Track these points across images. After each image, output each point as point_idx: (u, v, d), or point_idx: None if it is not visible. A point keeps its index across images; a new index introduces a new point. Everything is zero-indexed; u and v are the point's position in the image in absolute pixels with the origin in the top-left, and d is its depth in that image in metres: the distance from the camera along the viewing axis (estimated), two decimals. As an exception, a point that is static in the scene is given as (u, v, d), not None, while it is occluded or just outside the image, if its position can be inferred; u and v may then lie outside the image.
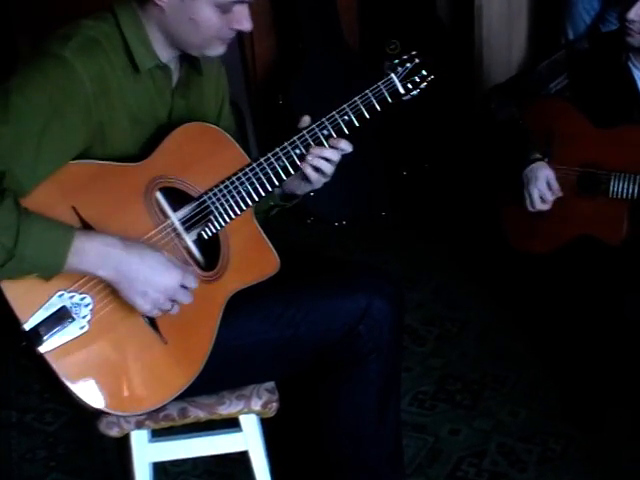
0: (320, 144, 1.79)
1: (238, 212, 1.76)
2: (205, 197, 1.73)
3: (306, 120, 1.80)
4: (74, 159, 1.63)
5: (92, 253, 1.56)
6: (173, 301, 1.63)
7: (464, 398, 2.65)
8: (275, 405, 1.84)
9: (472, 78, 3.97)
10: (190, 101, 1.83)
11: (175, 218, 1.71)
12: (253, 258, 1.80)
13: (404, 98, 1.84)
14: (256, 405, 1.83)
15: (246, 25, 1.70)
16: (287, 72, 3.96)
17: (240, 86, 3.93)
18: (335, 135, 1.79)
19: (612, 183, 2.38)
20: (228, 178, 1.75)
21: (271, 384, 1.87)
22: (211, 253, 1.75)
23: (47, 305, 1.57)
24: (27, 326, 1.55)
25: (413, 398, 2.65)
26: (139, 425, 1.80)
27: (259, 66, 4.01)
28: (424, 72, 1.84)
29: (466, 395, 2.66)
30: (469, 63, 3.97)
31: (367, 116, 1.80)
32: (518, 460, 2.38)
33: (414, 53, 1.85)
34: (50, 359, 1.57)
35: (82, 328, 1.59)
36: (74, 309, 1.58)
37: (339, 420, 1.89)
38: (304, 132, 1.78)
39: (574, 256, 2.44)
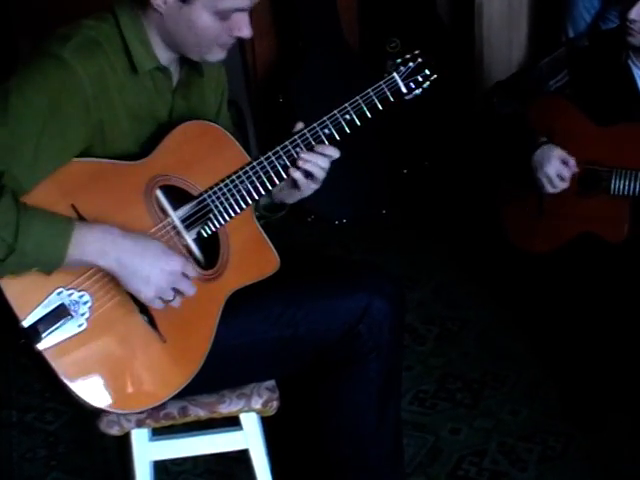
0: (320, 143, 1.78)
1: (238, 211, 1.75)
2: (205, 195, 1.73)
3: (299, 125, 1.80)
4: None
5: (92, 244, 1.56)
6: (176, 290, 1.63)
7: (464, 397, 2.65)
8: (275, 404, 1.84)
9: (472, 76, 3.96)
10: (191, 102, 1.83)
11: (175, 216, 1.71)
12: (253, 257, 1.80)
13: (406, 97, 1.83)
14: (256, 404, 1.83)
15: (246, 32, 1.70)
16: (287, 71, 3.96)
17: (240, 85, 3.93)
18: (336, 134, 1.79)
19: (613, 180, 2.38)
20: (228, 176, 1.75)
21: (271, 383, 1.87)
22: (211, 252, 1.75)
23: (45, 302, 1.57)
24: (25, 323, 1.55)
25: (414, 397, 2.65)
26: (140, 424, 1.80)
27: (259, 65, 4.01)
28: (427, 71, 1.84)
29: (466, 394, 2.66)
30: (469, 61, 3.97)
31: (369, 115, 1.79)
32: (518, 459, 2.37)
33: (417, 52, 1.85)
34: (48, 356, 1.57)
35: (80, 326, 1.59)
36: (72, 307, 1.58)
37: (339, 419, 1.89)
38: (305, 131, 1.78)
39: (575, 254, 2.44)
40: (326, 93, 3.60)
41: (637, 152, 2.36)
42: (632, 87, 2.43)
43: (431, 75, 1.84)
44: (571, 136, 2.44)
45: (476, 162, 3.31)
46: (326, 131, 1.78)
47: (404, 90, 1.82)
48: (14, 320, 1.55)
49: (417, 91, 1.84)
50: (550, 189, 2.40)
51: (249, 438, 1.87)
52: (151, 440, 1.87)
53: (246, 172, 1.76)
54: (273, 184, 1.78)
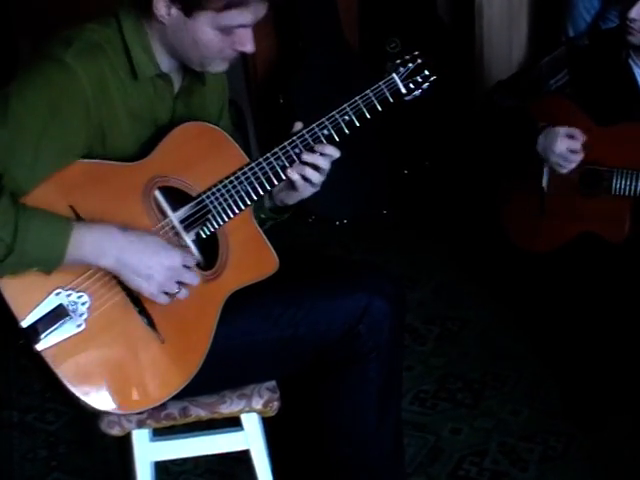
0: (320, 144, 1.78)
1: (237, 211, 1.75)
2: (204, 196, 1.73)
3: (298, 125, 1.79)
4: (74, 160, 1.63)
5: (91, 243, 1.56)
6: (180, 283, 1.63)
7: (465, 397, 2.65)
8: (276, 404, 1.84)
9: (472, 76, 3.96)
10: (192, 109, 1.83)
11: (174, 217, 1.71)
12: (252, 257, 1.79)
13: (406, 98, 1.83)
14: (257, 404, 1.83)
15: (249, 47, 1.70)
16: (287, 71, 3.96)
17: (241, 85, 3.93)
18: (335, 135, 1.79)
19: (614, 180, 2.38)
20: (227, 177, 1.75)
21: (272, 383, 1.87)
22: (209, 252, 1.75)
23: (44, 303, 1.57)
24: (24, 323, 1.56)
25: (414, 397, 2.65)
26: (140, 424, 1.80)
27: (259, 65, 4.01)
28: (426, 72, 1.83)
29: (467, 394, 2.66)
30: (470, 61, 3.97)
31: (368, 116, 1.79)
32: (519, 459, 2.37)
33: (416, 53, 1.84)
34: (47, 357, 1.57)
35: (79, 326, 1.59)
36: (71, 307, 1.58)
37: (339, 419, 1.89)
38: (304, 132, 1.78)
39: (576, 254, 2.44)
40: (326, 93, 3.60)
41: (638, 152, 2.36)
42: (632, 86, 2.43)
43: (430, 76, 1.83)
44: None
45: (476, 161, 3.31)
46: (325, 132, 1.78)
47: (403, 91, 1.82)
48: (13, 320, 1.55)
49: (417, 92, 1.83)
50: (565, 167, 2.36)
51: (250, 438, 1.87)
52: (152, 440, 1.87)
53: (245, 173, 1.76)
54: (272, 185, 1.77)
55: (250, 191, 1.76)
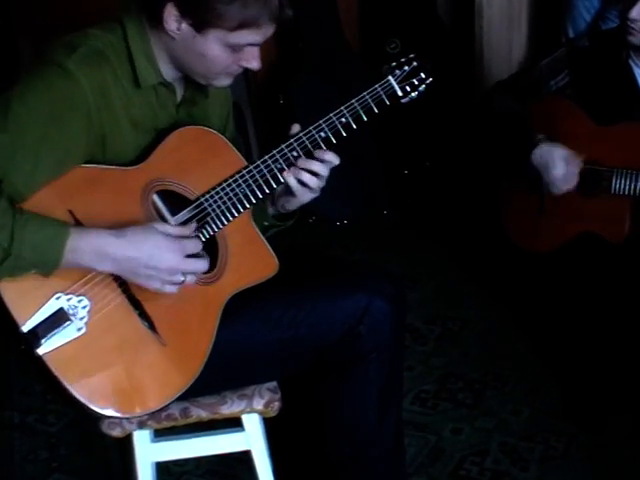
0: (317, 146, 1.77)
1: (235, 214, 1.75)
2: (202, 199, 1.73)
3: (295, 128, 1.79)
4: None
5: (87, 250, 1.56)
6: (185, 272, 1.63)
7: (466, 397, 2.65)
8: (277, 404, 1.85)
9: (472, 76, 3.96)
10: (194, 119, 1.82)
11: (173, 221, 1.70)
12: (251, 260, 1.79)
13: (402, 101, 1.83)
14: (258, 405, 1.83)
15: (255, 64, 1.70)
16: (287, 72, 3.96)
17: (241, 86, 3.93)
18: (333, 137, 1.78)
19: (614, 180, 2.38)
20: (225, 181, 1.75)
21: (273, 383, 1.87)
22: (209, 256, 1.75)
23: (45, 307, 1.57)
24: (25, 328, 1.56)
25: (415, 397, 2.65)
26: (141, 425, 1.80)
27: (259, 66, 4.01)
28: (422, 75, 1.82)
29: (468, 394, 2.66)
30: (470, 62, 3.97)
31: (365, 118, 1.79)
32: (520, 459, 2.38)
33: (412, 56, 1.84)
34: (48, 361, 1.57)
35: (79, 330, 1.59)
36: (71, 311, 1.58)
37: (340, 419, 1.89)
38: (301, 134, 1.77)
39: (576, 254, 2.44)
40: (326, 93, 3.60)
41: (638, 152, 2.36)
42: (633, 86, 2.43)
43: (427, 78, 1.83)
44: (572, 136, 2.44)
45: (476, 160, 3.31)
46: (322, 134, 1.78)
47: (400, 93, 1.81)
48: (14, 324, 1.55)
49: (413, 94, 1.83)
50: (557, 191, 2.39)
51: (251, 439, 1.87)
52: (153, 441, 1.87)
53: (243, 176, 1.75)
54: (270, 188, 1.77)
55: (248, 194, 1.75)
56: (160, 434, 1.90)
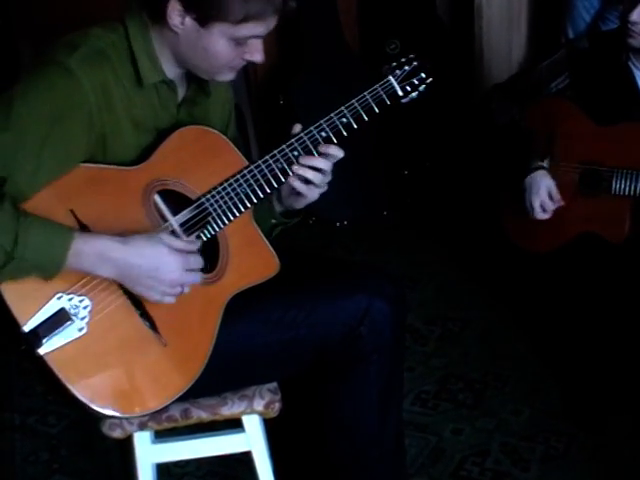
0: (318, 146, 1.78)
1: (237, 214, 1.75)
2: (203, 199, 1.73)
3: (297, 128, 1.79)
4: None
5: (91, 255, 1.56)
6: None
7: (466, 397, 2.65)
8: (278, 405, 1.85)
9: (472, 76, 3.97)
10: (195, 119, 1.82)
11: (174, 221, 1.71)
12: (252, 260, 1.79)
13: (403, 101, 1.83)
14: (258, 405, 1.83)
15: (258, 57, 1.71)
16: (288, 73, 3.96)
17: (241, 86, 3.93)
18: (333, 137, 1.78)
19: (614, 180, 2.38)
20: (226, 180, 1.75)
21: (273, 384, 1.87)
22: (210, 256, 1.75)
23: (46, 307, 1.57)
24: (26, 328, 1.56)
25: (415, 398, 2.65)
26: (142, 426, 1.81)
27: (259, 66, 4.01)
28: (422, 74, 1.83)
29: (468, 394, 2.66)
30: (469, 62, 3.97)
31: (365, 118, 1.79)
32: (521, 459, 2.38)
33: (412, 56, 1.84)
34: (50, 361, 1.57)
35: (81, 330, 1.59)
36: (72, 311, 1.59)
37: (340, 420, 1.89)
38: (302, 134, 1.78)
39: (576, 254, 2.44)
40: (326, 94, 3.60)
41: (638, 152, 2.36)
42: (632, 88, 2.43)
43: (427, 78, 1.83)
44: (572, 136, 2.45)
45: (476, 164, 3.31)
46: (323, 134, 1.78)
47: (400, 93, 1.81)
48: (15, 324, 1.55)
49: (413, 94, 1.83)
50: (535, 215, 2.46)
51: (251, 440, 1.87)
52: (154, 443, 1.87)
53: (244, 175, 1.76)
54: (271, 188, 1.77)
55: (250, 193, 1.76)
56: (161, 435, 1.90)
